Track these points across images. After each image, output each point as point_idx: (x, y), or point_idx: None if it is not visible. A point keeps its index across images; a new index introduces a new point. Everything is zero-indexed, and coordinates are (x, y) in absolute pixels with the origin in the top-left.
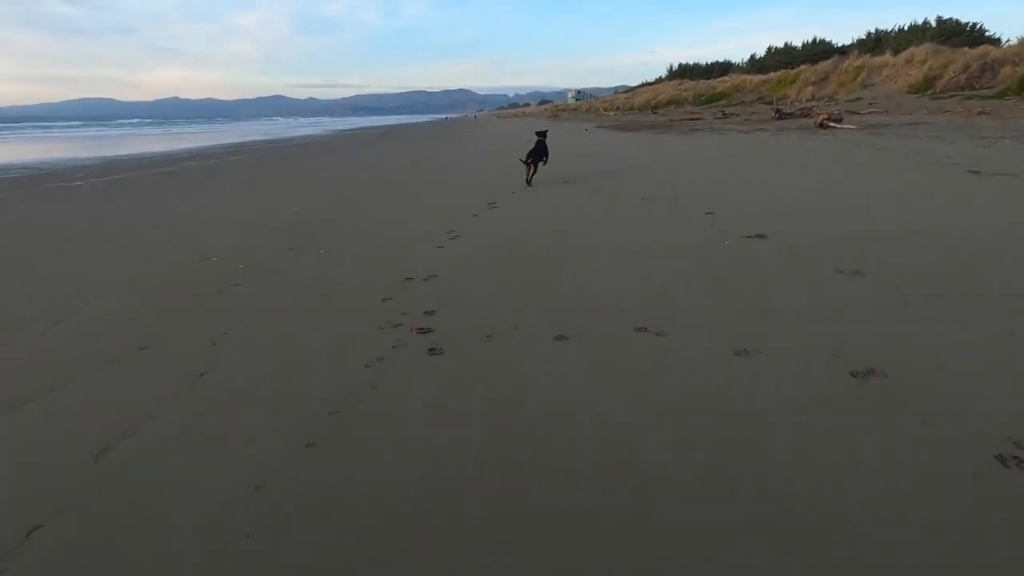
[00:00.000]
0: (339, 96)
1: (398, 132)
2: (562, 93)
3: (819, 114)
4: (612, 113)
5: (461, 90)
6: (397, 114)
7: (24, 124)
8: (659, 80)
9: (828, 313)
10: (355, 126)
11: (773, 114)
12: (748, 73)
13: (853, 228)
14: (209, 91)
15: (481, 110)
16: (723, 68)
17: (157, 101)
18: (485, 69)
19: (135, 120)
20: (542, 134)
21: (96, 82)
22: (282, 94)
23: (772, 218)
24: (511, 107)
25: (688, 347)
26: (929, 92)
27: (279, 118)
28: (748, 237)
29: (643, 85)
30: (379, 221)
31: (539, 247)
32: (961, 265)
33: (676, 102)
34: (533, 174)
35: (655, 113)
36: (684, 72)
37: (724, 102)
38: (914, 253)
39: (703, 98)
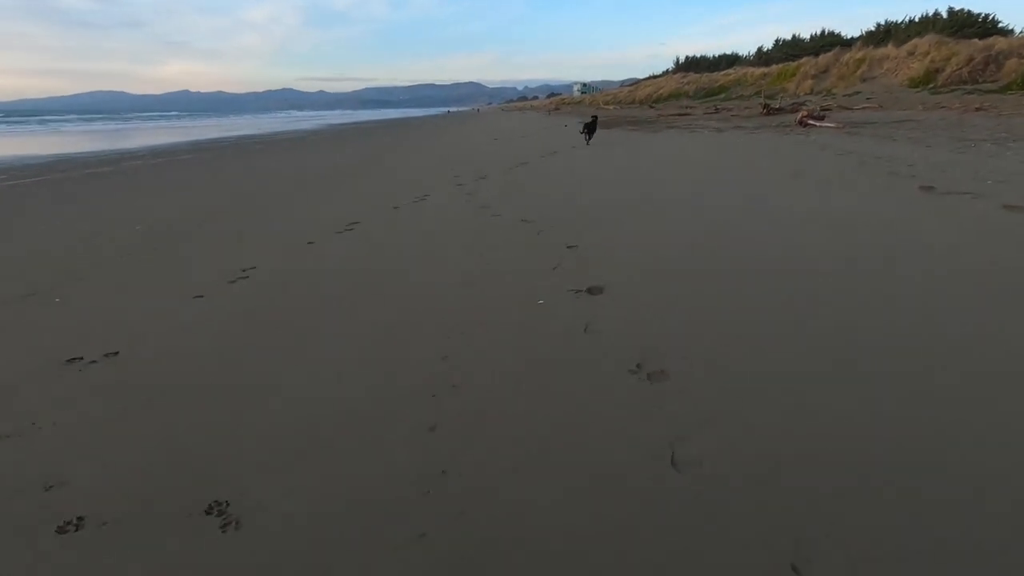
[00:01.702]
0: (349, 89)
1: (369, 130)
2: (571, 86)
3: (800, 111)
4: (611, 107)
5: (470, 83)
6: (406, 107)
7: (28, 118)
8: (665, 73)
9: None
10: (344, 121)
11: (761, 110)
12: (754, 66)
13: (693, 266)
14: (219, 84)
15: (490, 103)
16: (730, 61)
17: (167, 94)
18: (494, 62)
19: (144, 113)
20: (594, 119)
21: (107, 76)
22: (292, 87)
23: (607, 266)
24: (520, 100)
25: None
26: (930, 86)
27: (294, 111)
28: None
29: (650, 78)
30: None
31: None
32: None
33: (678, 96)
34: (589, 140)
35: (652, 107)
36: (690, 65)
37: (723, 96)
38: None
39: (704, 92)
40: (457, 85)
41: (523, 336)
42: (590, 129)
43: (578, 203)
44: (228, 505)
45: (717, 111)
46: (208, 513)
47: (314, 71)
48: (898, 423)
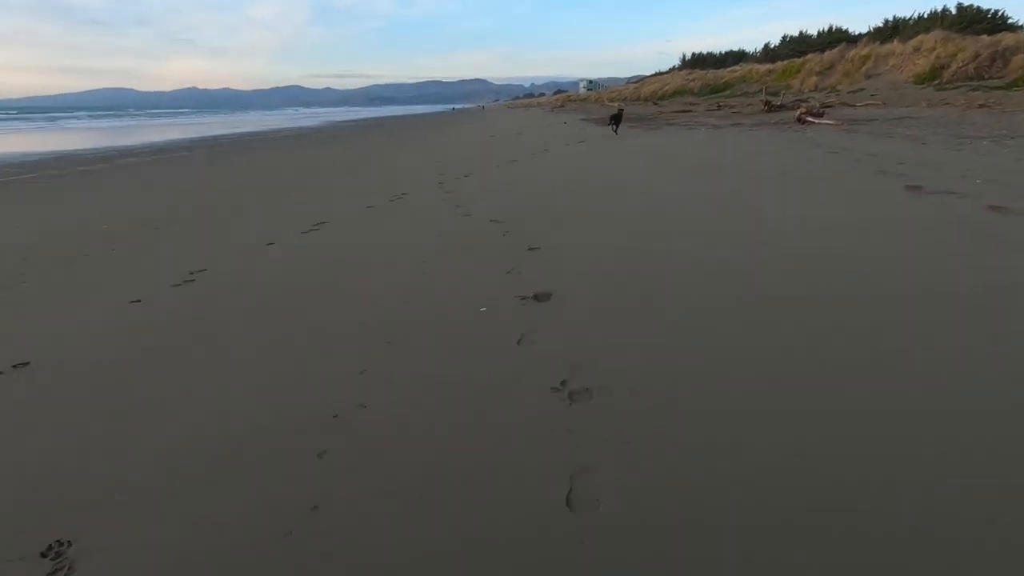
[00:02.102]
0: (356, 86)
1: (370, 127)
2: (578, 84)
3: (799, 108)
4: (616, 104)
5: (477, 80)
6: (413, 104)
7: (35, 115)
8: (671, 70)
9: None
10: (347, 119)
11: (762, 107)
12: (761, 63)
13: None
14: (226, 82)
15: (496, 100)
16: (736, 57)
17: (175, 91)
18: (501, 59)
19: (152, 111)
20: (620, 111)
21: (116, 73)
22: (299, 84)
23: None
24: (526, 97)
25: None
26: (935, 82)
27: (301, 109)
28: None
29: (655, 75)
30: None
31: None
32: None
33: (682, 92)
34: (615, 129)
35: (656, 104)
36: (696, 62)
37: (727, 93)
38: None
39: (709, 88)
40: (464, 82)
41: (452, 348)
42: (616, 120)
43: (554, 202)
44: (69, 546)
45: (720, 108)
46: (44, 556)
47: (321, 68)
48: (835, 461)
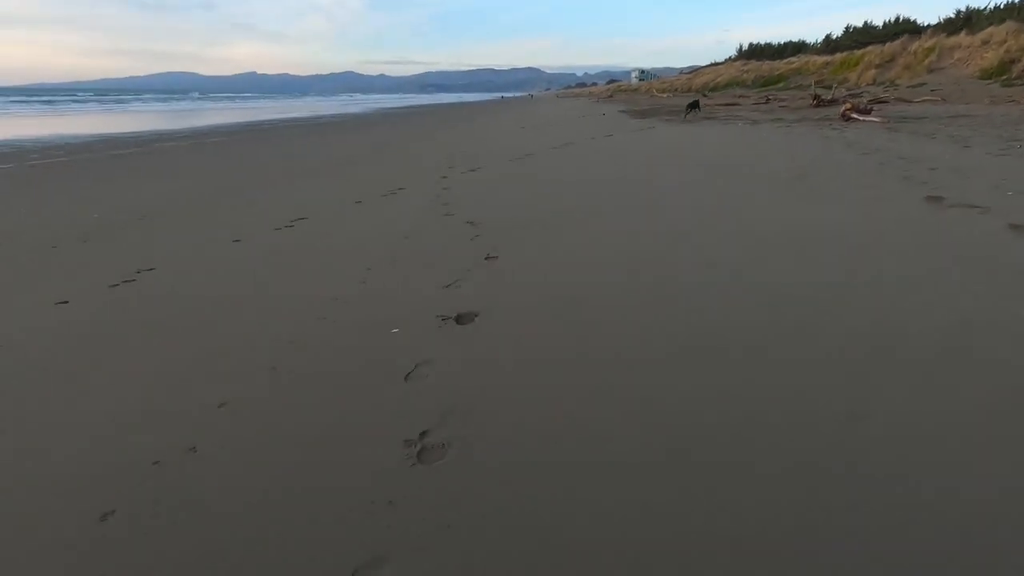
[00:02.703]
0: (409, 73)
1: (411, 115)
2: (631, 73)
3: (845, 104)
4: (665, 95)
5: (529, 68)
6: (464, 92)
7: (104, 97)
8: (727, 61)
9: None
10: (394, 106)
11: (811, 101)
12: (820, 54)
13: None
14: (285, 67)
15: (548, 89)
16: (795, 48)
17: (236, 76)
18: (554, 48)
19: (214, 95)
20: (697, 101)
21: (181, 57)
22: (354, 70)
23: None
24: (578, 86)
25: None
26: (1003, 78)
27: (357, 95)
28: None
29: (710, 66)
30: None
31: None
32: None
33: (735, 84)
34: (688, 116)
35: (705, 96)
36: (753, 53)
37: (780, 85)
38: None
39: (762, 81)
40: (516, 70)
41: (335, 380)
42: (692, 107)
43: (542, 204)
44: None
45: (768, 101)
46: None
47: (376, 55)
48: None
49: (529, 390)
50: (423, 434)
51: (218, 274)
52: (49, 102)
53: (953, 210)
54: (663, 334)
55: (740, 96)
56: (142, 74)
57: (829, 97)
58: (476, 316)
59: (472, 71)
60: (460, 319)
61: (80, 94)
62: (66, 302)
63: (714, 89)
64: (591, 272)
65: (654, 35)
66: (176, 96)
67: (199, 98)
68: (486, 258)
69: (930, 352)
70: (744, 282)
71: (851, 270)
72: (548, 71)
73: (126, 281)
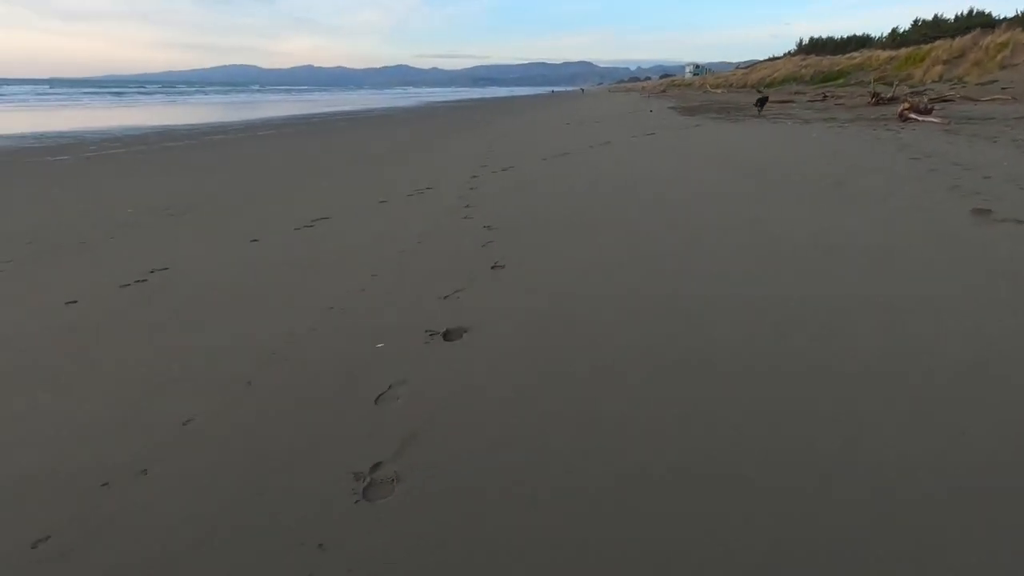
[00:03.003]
0: (461, 67)
1: (457, 109)
2: (685, 68)
3: (903, 103)
4: (719, 90)
5: (582, 62)
6: (515, 86)
7: (168, 89)
8: (786, 55)
9: None
10: (444, 99)
11: (869, 99)
12: (885, 49)
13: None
14: (340, 60)
15: (600, 83)
16: (859, 43)
17: (293, 68)
18: (607, 41)
19: (272, 87)
20: (766, 97)
21: (240, 50)
22: (407, 64)
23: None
24: (630, 80)
25: None
26: None
27: (410, 88)
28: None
29: (768, 60)
30: None
31: None
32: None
33: (792, 80)
34: (760, 110)
35: (759, 92)
36: (813, 47)
37: (840, 81)
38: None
39: (821, 76)
40: (568, 64)
41: (303, 397)
42: (762, 102)
43: (564, 208)
44: None
45: (824, 98)
46: None
47: (429, 48)
48: None
49: (502, 416)
50: (375, 466)
51: (226, 277)
52: (118, 94)
53: (1001, 225)
54: (658, 353)
55: (796, 93)
56: (206, 67)
57: (889, 95)
58: (465, 332)
59: (524, 64)
60: (448, 335)
61: (148, 86)
62: (75, 302)
63: (770, 85)
64: (593, 284)
65: (710, 28)
66: (237, 88)
67: (258, 91)
68: (492, 267)
69: (942, 379)
70: (750, 298)
71: (869, 288)
72: (600, 65)
73: (138, 281)
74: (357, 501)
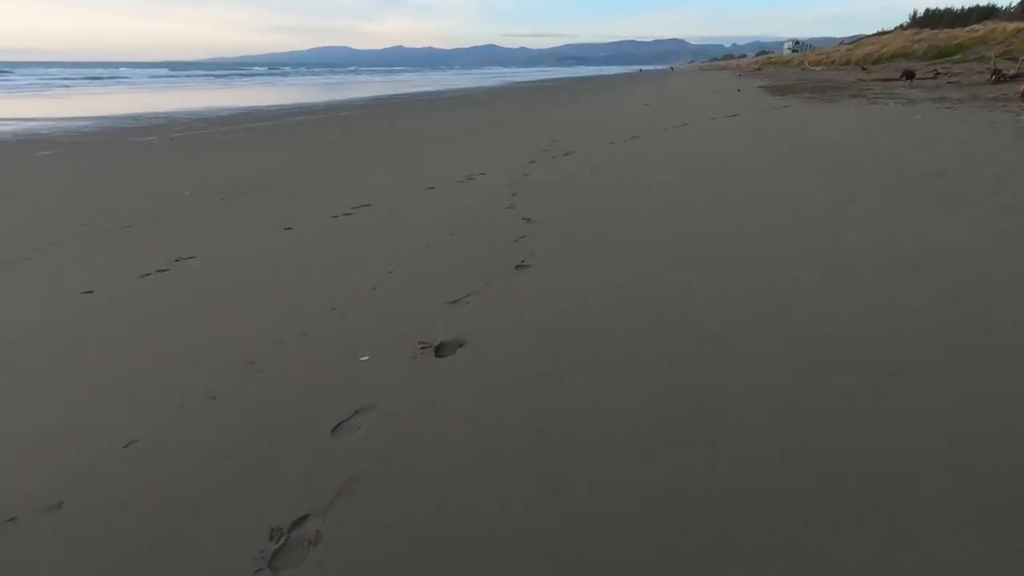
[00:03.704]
0: (549, 46)
1: (537, 89)
2: (783, 44)
3: None
4: (819, 68)
5: (673, 40)
6: (603, 64)
7: (273, 70)
8: (897, 29)
9: None
10: (528, 79)
11: (989, 76)
12: (1013, 20)
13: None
14: (429, 40)
15: (692, 61)
16: (983, 13)
17: (384, 49)
18: (700, 17)
19: (365, 68)
20: (912, 71)
21: (335, 32)
22: (495, 43)
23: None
24: (725, 58)
25: None
26: None
27: (498, 68)
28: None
29: (876, 35)
30: None
31: None
32: None
33: (902, 56)
34: (910, 85)
35: (864, 69)
36: (929, 19)
37: (958, 57)
38: None
39: (936, 52)
40: (659, 42)
41: (261, 420)
42: (910, 75)
43: (613, 198)
44: None
45: (936, 75)
46: None
47: (517, 28)
48: None
49: (468, 468)
50: (298, 521)
51: (244, 270)
52: (222, 76)
53: None
54: (669, 395)
55: (906, 70)
56: (303, 48)
57: (1013, 72)
58: (460, 347)
59: (613, 43)
60: (440, 350)
61: (252, 68)
62: (91, 292)
63: (877, 62)
64: (621, 295)
65: (812, 2)
66: (333, 69)
67: (351, 71)
68: (516, 267)
69: None
70: (795, 324)
71: (957, 317)
72: (693, 42)
73: (159, 271)
74: (259, 570)
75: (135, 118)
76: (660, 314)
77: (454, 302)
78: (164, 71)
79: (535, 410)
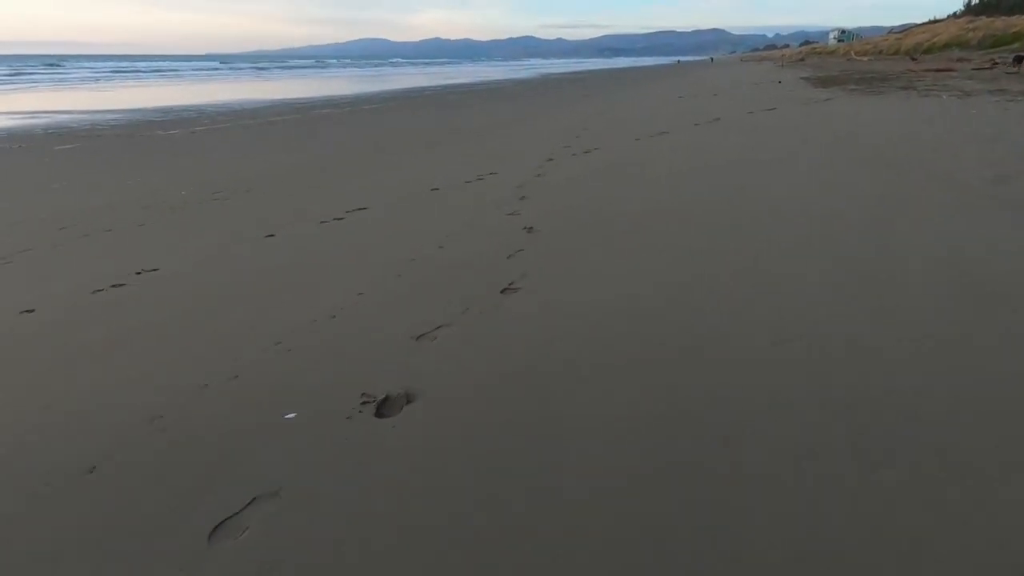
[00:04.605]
0: (586, 37)
1: (570, 81)
2: (828, 34)
3: None
4: (866, 58)
5: (714, 30)
6: (641, 55)
7: (306, 61)
8: (950, 17)
9: None
10: (562, 71)
11: None
12: None
13: None
14: (466, 32)
15: (733, 52)
16: None
17: (422, 41)
18: (742, 6)
19: (402, 60)
20: (1021, 55)
21: (373, 23)
22: (532, 35)
23: None
24: (767, 48)
25: None
26: None
27: (535, 59)
28: None
29: (928, 23)
30: None
31: None
32: None
33: (956, 45)
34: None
35: (913, 59)
36: (985, 7)
37: (1017, 46)
38: None
39: (992, 41)
40: (699, 32)
41: (109, 530)
42: (1020, 59)
43: (627, 204)
44: None
45: (993, 66)
46: None
47: (554, 18)
48: None
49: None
50: None
51: (206, 287)
52: (261, 68)
53: None
54: (656, 460)
55: (959, 60)
56: (342, 40)
57: None
58: (408, 403)
59: (651, 34)
60: (384, 406)
61: (290, 61)
62: (31, 311)
63: (928, 51)
64: (618, 328)
65: None
66: (371, 61)
67: (387, 63)
68: (503, 290)
69: None
70: (832, 387)
71: None
72: (734, 32)
73: (115, 286)
74: None
75: (166, 111)
76: (668, 363)
77: (419, 337)
78: (214, 63)
79: (491, 513)
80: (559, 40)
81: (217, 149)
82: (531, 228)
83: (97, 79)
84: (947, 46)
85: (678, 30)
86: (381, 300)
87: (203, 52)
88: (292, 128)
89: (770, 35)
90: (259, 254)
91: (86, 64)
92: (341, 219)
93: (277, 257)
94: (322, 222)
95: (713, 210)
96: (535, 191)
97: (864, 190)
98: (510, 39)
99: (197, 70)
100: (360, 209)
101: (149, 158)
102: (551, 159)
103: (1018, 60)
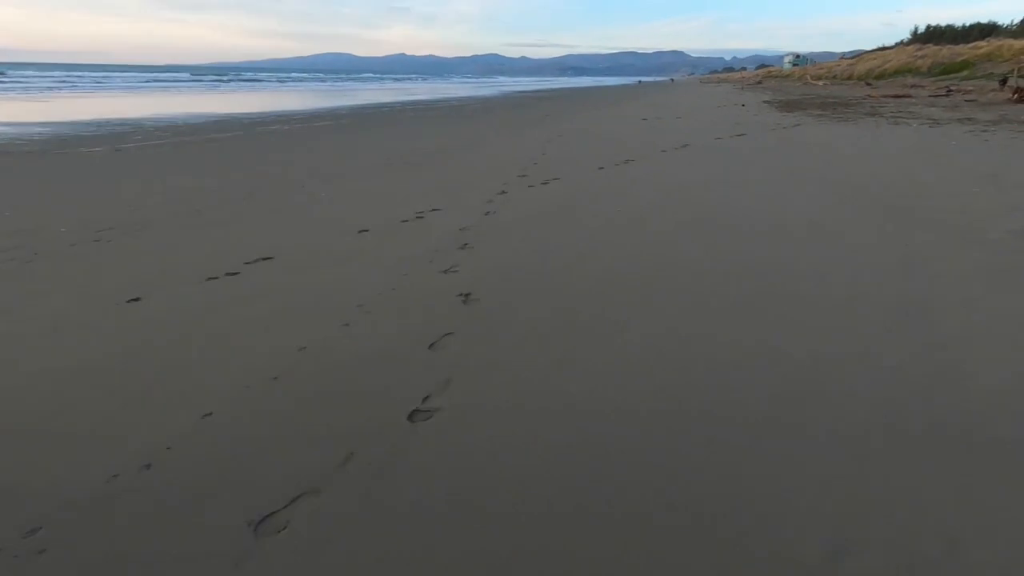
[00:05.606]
0: (550, 55)
1: (531, 101)
2: (783, 58)
3: None
4: (821, 83)
5: (674, 52)
6: (603, 75)
7: (269, 75)
8: (898, 45)
9: None
10: (524, 89)
11: (1010, 95)
12: (1017, 38)
13: None
14: (431, 48)
15: (692, 73)
16: (984, 31)
17: (386, 57)
18: (701, 30)
19: (364, 75)
20: (1006, 78)
21: (337, 38)
22: (497, 52)
23: None
24: (725, 71)
25: None
26: None
27: (499, 76)
28: None
29: (877, 50)
30: None
31: None
32: None
33: (906, 72)
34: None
35: (868, 84)
36: (930, 36)
37: (964, 74)
38: None
39: (940, 68)
40: (659, 54)
41: None
42: (1004, 82)
43: (585, 260)
44: None
45: (948, 93)
46: None
47: (519, 37)
48: None
49: None
50: None
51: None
52: (221, 80)
53: None
54: None
55: (913, 86)
56: (305, 55)
57: None
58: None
59: (613, 54)
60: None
61: (251, 72)
62: None
63: (879, 77)
64: (565, 479)
65: (812, 16)
66: (333, 76)
67: (350, 79)
68: (410, 415)
69: None
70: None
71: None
72: (693, 55)
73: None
74: None
75: (100, 124)
76: (634, 514)
77: (262, 521)
78: (175, 74)
79: None
80: (523, 58)
81: (135, 172)
82: (467, 295)
83: (40, 89)
84: (898, 72)
85: (639, 51)
86: (224, 439)
87: (163, 63)
88: (230, 147)
89: (727, 58)
90: (98, 335)
91: (32, 73)
92: (236, 274)
93: (120, 341)
94: (209, 279)
95: (692, 270)
96: (480, 236)
97: (872, 246)
98: (475, 56)
99: (149, 81)
100: (263, 259)
101: (48, 183)
102: (504, 192)
103: (1003, 83)
